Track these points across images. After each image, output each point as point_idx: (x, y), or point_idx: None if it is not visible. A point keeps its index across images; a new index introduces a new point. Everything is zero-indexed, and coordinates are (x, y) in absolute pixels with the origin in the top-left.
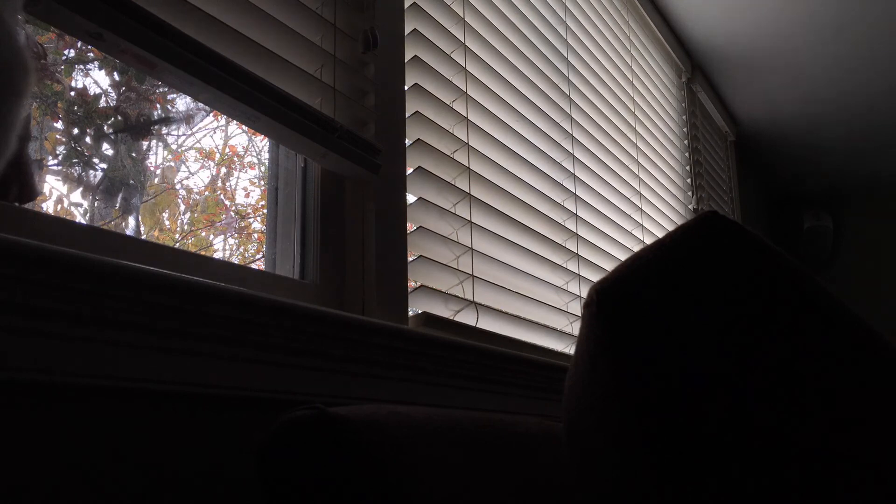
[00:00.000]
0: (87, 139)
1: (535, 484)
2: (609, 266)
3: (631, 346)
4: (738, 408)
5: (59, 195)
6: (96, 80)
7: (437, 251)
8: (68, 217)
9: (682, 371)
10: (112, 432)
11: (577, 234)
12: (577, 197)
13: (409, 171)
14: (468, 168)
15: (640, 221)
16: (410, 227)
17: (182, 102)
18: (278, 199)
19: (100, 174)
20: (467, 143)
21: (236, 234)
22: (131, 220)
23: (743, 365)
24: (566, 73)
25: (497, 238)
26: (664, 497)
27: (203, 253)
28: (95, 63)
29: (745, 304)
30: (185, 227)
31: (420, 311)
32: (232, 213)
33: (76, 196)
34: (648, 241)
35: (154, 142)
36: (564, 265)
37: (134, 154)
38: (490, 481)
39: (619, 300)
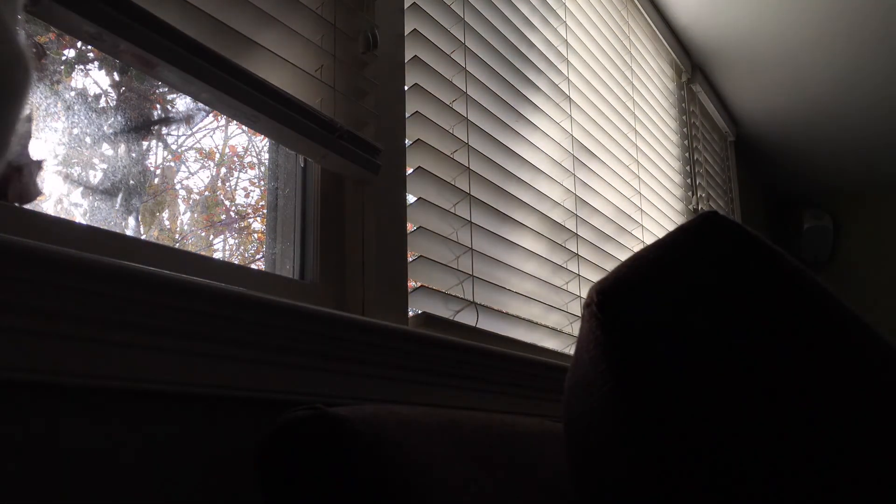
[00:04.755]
0: (87, 139)
1: (534, 484)
2: (609, 266)
3: (631, 345)
4: (737, 408)
5: (59, 195)
6: (96, 80)
7: (437, 251)
8: (68, 217)
9: (682, 370)
10: (112, 432)
11: (577, 234)
12: (577, 197)
13: (409, 171)
14: (468, 168)
15: (640, 221)
16: (410, 227)
17: (182, 102)
18: (278, 199)
19: (100, 174)
20: (467, 143)
21: (236, 234)
22: (131, 220)
23: (743, 364)
24: (566, 73)
25: (497, 238)
26: (663, 497)
27: (203, 253)
28: (95, 63)
29: (745, 304)
30: (185, 227)
31: (420, 311)
32: (232, 213)
33: (76, 196)
34: (648, 241)
35: (154, 142)
36: (564, 265)
37: (134, 154)
38: (489, 481)
39: (619, 300)
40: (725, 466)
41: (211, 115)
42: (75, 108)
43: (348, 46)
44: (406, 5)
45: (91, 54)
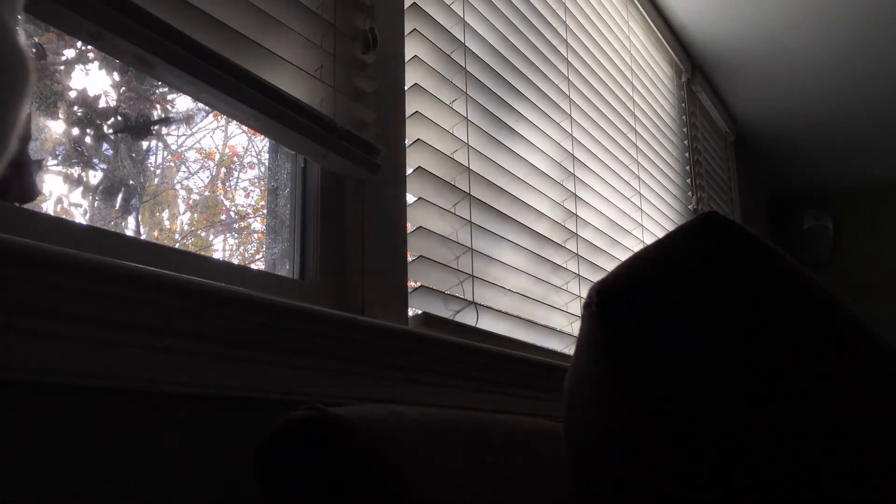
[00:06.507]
0: (87, 139)
1: (534, 484)
2: (609, 266)
3: (630, 345)
4: (736, 408)
5: (59, 195)
6: (96, 80)
7: (437, 251)
8: (68, 217)
9: (681, 370)
10: (112, 432)
11: (577, 234)
12: (577, 197)
13: (409, 171)
14: (468, 168)
15: (640, 221)
16: (410, 227)
17: (182, 102)
18: (278, 199)
19: (100, 174)
20: (467, 143)
21: (236, 234)
22: (131, 220)
23: (742, 365)
24: (566, 74)
25: (497, 238)
26: (662, 496)
27: (203, 253)
28: (95, 63)
29: (745, 304)
30: (185, 227)
31: (420, 311)
32: (232, 213)
33: (76, 196)
34: (648, 241)
35: (154, 142)
36: (564, 265)
37: (134, 154)
38: (489, 481)
39: (618, 300)
40: (725, 466)
41: (211, 115)
42: (75, 107)
43: (348, 46)
44: (406, 5)
45: (91, 54)
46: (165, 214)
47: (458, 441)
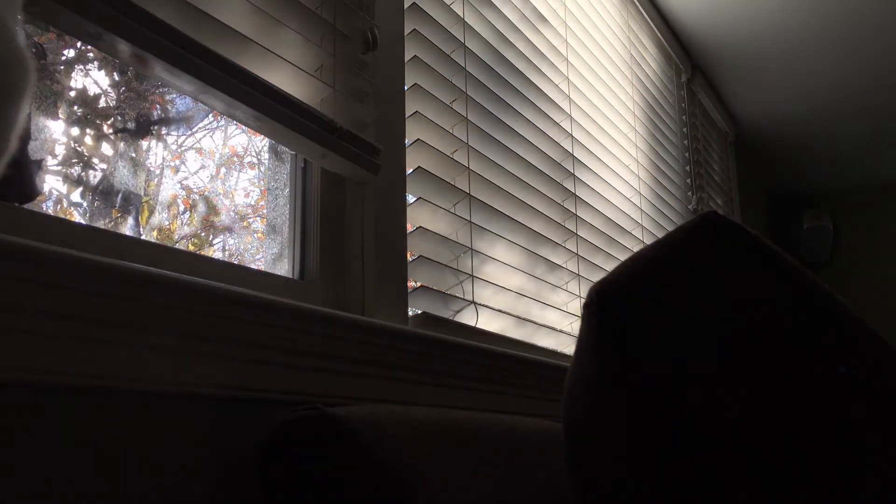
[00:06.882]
0: (87, 139)
1: (534, 484)
2: (609, 266)
3: (630, 346)
4: (737, 407)
5: (59, 195)
6: (96, 80)
7: (437, 251)
8: (68, 217)
9: (682, 371)
10: (112, 432)
11: (577, 234)
12: (577, 197)
13: (409, 171)
14: (468, 168)
15: (639, 221)
16: (410, 227)
17: (182, 102)
18: (278, 199)
19: (99, 174)
20: (467, 143)
21: (236, 235)
22: (131, 220)
23: (742, 364)
24: (566, 73)
25: (497, 238)
26: (662, 495)
27: (203, 253)
28: (95, 63)
29: (745, 304)
30: (185, 227)
31: (420, 311)
32: (232, 213)
33: (76, 196)
34: (648, 241)
35: (154, 142)
36: (564, 265)
37: (134, 154)
38: (489, 481)
39: (618, 300)
40: (724, 466)
41: (211, 115)
42: (75, 107)
43: (348, 46)
44: (406, 5)
45: (91, 54)
46: (165, 214)
47: (458, 441)
